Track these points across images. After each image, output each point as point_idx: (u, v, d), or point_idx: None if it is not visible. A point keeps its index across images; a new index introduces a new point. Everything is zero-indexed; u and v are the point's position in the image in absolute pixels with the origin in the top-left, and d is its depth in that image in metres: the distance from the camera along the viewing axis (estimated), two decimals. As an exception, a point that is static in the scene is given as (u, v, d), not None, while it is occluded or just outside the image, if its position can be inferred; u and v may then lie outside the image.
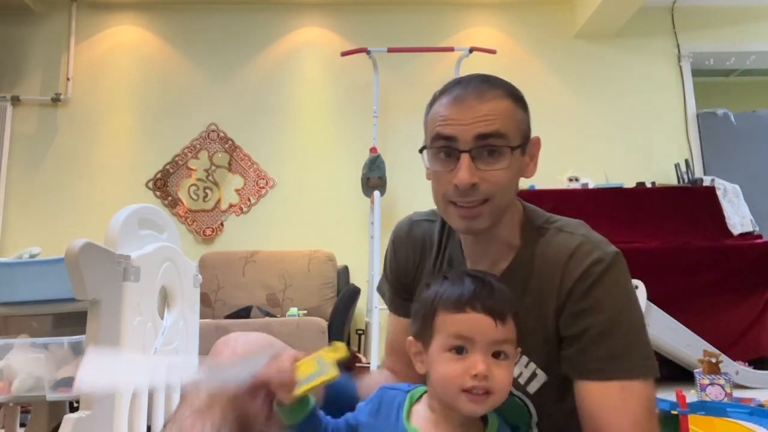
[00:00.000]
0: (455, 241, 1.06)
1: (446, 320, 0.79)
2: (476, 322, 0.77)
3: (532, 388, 0.95)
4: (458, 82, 0.95)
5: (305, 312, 3.47)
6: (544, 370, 0.94)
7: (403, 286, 1.12)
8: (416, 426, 0.80)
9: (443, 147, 0.92)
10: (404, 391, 0.85)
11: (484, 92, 0.91)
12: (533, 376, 0.95)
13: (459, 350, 0.77)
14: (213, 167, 4.24)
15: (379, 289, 1.22)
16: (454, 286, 0.82)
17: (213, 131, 4.29)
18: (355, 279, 3.90)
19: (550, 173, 4.09)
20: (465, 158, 0.90)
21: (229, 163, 4.25)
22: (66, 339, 1.67)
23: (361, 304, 3.79)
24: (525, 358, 0.95)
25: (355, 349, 3.76)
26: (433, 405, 0.81)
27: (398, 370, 1.11)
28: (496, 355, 0.78)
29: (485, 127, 0.89)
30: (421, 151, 0.97)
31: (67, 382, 1.63)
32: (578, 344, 0.89)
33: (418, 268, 1.10)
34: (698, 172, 4.31)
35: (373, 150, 3.88)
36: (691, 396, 2.34)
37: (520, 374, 0.95)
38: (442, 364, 0.78)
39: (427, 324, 0.81)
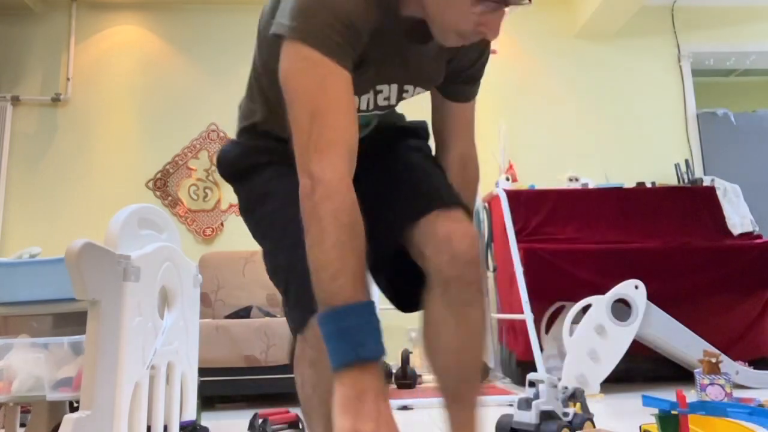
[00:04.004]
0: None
1: None
2: None
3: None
4: None
5: (305, 312, 3.46)
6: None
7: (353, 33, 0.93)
8: None
9: None
10: None
11: None
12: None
13: None
14: (213, 167, 4.23)
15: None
16: None
17: (213, 131, 4.29)
18: (355, 279, 3.89)
19: (550, 173, 4.10)
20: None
21: (229, 163, 4.25)
22: (66, 339, 1.67)
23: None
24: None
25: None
26: None
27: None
28: None
29: None
30: None
31: (67, 382, 1.63)
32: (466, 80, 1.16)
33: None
34: (698, 172, 4.31)
35: (373, 150, 3.87)
36: (691, 396, 2.34)
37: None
38: None
39: None
